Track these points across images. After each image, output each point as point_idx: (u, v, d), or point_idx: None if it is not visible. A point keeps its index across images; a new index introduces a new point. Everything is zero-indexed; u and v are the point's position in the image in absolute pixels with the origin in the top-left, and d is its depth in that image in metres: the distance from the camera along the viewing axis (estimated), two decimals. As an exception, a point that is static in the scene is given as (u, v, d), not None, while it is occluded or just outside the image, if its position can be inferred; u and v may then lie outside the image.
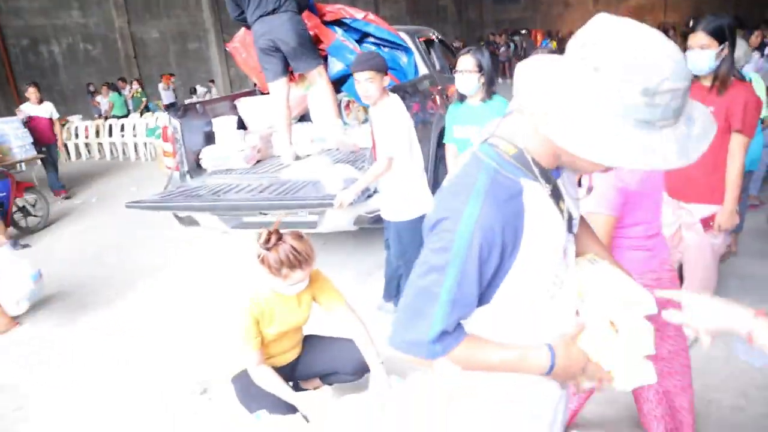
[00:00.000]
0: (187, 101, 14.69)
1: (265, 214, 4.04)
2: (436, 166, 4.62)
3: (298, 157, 4.71)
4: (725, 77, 2.73)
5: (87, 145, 11.96)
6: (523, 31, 24.77)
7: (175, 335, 3.86)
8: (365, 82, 3.03)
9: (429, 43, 5.95)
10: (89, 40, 14.79)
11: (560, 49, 1.52)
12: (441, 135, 4.64)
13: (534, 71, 1.03)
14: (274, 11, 4.40)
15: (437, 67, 5.74)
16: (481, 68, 3.19)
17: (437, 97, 4.96)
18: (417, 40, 5.39)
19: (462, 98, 3.36)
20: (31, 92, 8.10)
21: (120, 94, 13.25)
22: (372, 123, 3.26)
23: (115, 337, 3.92)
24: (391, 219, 3.42)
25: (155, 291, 4.62)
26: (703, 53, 2.70)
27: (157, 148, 10.04)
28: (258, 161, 4.78)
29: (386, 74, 3.10)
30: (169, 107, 13.83)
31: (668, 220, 3.09)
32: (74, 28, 14.40)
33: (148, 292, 4.61)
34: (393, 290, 3.74)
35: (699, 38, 2.70)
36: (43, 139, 7.95)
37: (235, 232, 4.38)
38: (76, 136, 11.98)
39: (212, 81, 16.39)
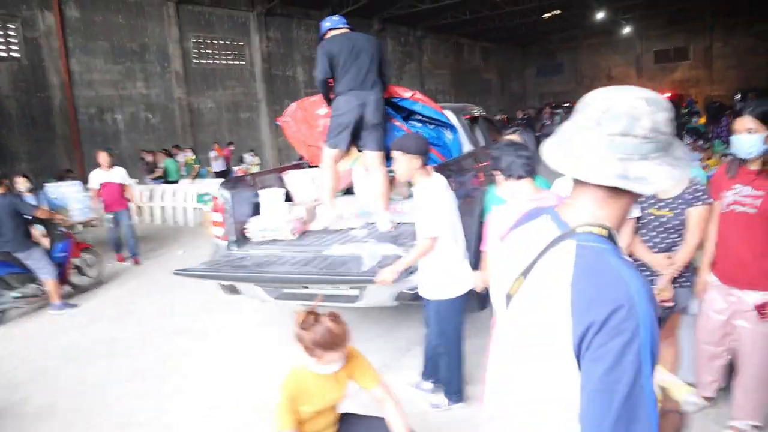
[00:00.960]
0: (235, 168, 15.29)
1: (307, 287, 4.09)
2: (478, 243, 4.61)
3: (340, 218, 4.79)
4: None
5: (140, 208, 12.46)
6: (566, 104, 24.88)
7: (213, 406, 3.86)
8: (395, 161, 3.25)
9: (473, 120, 6.08)
10: (150, 109, 15.72)
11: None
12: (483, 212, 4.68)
13: (561, 146, 1.17)
14: (371, 87, 4.65)
15: (481, 143, 5.83)
16: None
17: (481, 174, 5.01)
18: (462, 117, 5.51)
19: None
20: (102, 158, 7.90)
21: (174, 160, 13.87)
22: (414, 202, 3.33)
23: (150, 400, 3.95)
24: (432, 297, 3.41)
25: (193, 359, 4.67)
26: (751, 137, 2.68)
27: (205, 213, 10.38)
28: (303, 233, 4.88)
29: (421, 156, 3.19)
30: (220, 175, 14.42)
31: (719, 306, 2.99)
32: (137, 98, 15.36)
33: (185, 359, 4.66)
34: (430, 369, 3.68)
35: (746, 122, 2.70)
36: (114, 204, 7.87)
37: (278, 302, 4.43)
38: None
39: (252, 150, 16.98)
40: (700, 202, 2.96)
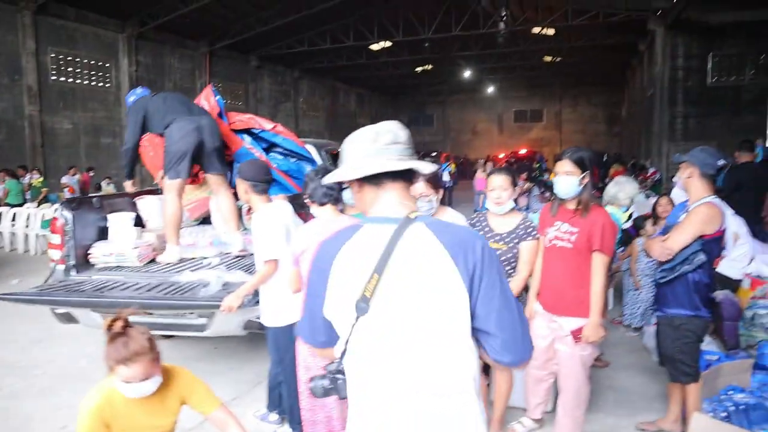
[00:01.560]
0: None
1: (151, 314, 3.91)
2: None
3: (182, 259, 4.65)
4: (587, 202, 3.08)
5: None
6: (434, 154, 26.43)
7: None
8: (237, 186, 3.48)
9: (336, 156, 6.26)
10: (-6, 124, 14.30)
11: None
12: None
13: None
14: (199, 113, 4.70)
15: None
16: None
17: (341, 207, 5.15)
18: (323, 152, 5.66)
19: None
20: None
21: (18, 181, 12.66)
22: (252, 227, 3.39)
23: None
24: (269, 324, 3.41)
25: (5, 388, 4.23)
26: (568, 179, 3.05)
27: (49, 252, 9.51)
28: (152, 260, 4.67)
29: (257, 182, 3.32)
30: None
31: (543, 333, 3.30)
32: (-21, 111, 13.94)
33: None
34: (276, 399, 3.64)
35: (564, 165, 3.07)
36: None
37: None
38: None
39: (108, 177, 15.95)
40: (531, 237, 3.30)
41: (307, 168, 5.27)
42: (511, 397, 3.66)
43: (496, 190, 3.32)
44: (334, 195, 3.05)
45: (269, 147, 5.11)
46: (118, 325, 2.08)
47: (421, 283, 1.41)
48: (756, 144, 10.48)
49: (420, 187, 3.07)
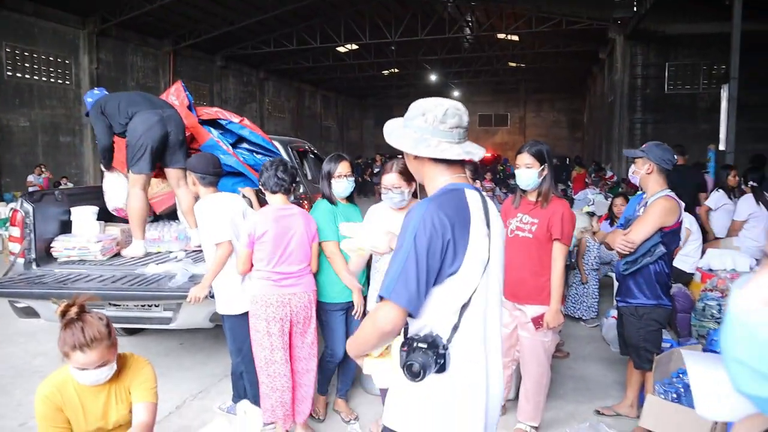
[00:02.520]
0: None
1: (117, 305, 3.87)
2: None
3: (148, 253, 4.62)
4: (547, 193, 3.20)
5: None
6: (400, 156, 26.46)
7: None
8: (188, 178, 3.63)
9: (303, 154, 6.30)
10: (-54, 120, 13.80)
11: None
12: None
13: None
14: (163, 105, 4.65)
15: (309, 176, 6.06)
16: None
17: (305, 203, 5.19)
18: (290, 149, 5.68)
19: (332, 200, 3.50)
20: None
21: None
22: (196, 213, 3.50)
23: None
24: (224, 312, 3.44)
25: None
26: (528, 171, 3.16)
27: (6, 241, 9.24)
28: (116, 255, 4.62)
29: (204, 174, 3.44)
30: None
31: (505, 320, 3.40)
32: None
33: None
34: (241, 390, 3.63)
35: (524, 158, 3.19)
36: None
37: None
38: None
39: (65, 177, 15.58)
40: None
41: None
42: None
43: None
44: (285, 185, 3.30)
45: (236, 141, 5.10)
46: (73, 310, 2.03)
47: (500, 245, 1.76)
48: (708, 149, 10.94)
49: (393, 178, 3.12)
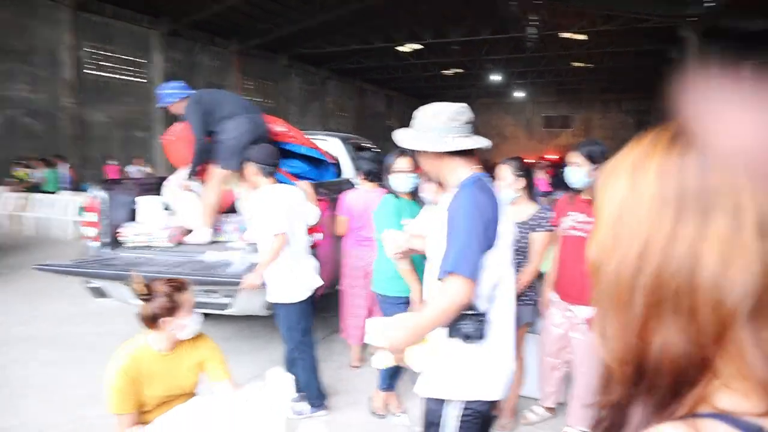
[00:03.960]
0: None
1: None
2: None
3: (213, 242, 4.80)
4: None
5: (10, 216, 11.58)
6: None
7: (57, 403, 3.70)
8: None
9: (361, 149, 6.39)
10: (32, 114, 14.74)
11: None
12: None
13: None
14: (256, 110, 4.91)
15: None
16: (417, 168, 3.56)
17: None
18: (348, 144, 5.79)
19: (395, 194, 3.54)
20: None
21: (55, 170, 13.08)
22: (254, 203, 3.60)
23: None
24: (279, 301, 3.53)
25: (39, 359, 4.43)
26: (576, 170, 3.12)
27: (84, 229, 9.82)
28: (180, 243, 4.84)
29: (261, 164, 3.53)
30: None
31: (558, 321, 3.36)
32: (18, 101, 14.38)
33: (31, 361, 4.41)
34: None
35: (574, 156, 3.14)
36: None
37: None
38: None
39: (140, 158, 16.42)
40: (542, 229, 3.36)
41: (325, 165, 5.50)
42: (524, 386, 3.72)
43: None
44: (374, 174, 4.09)
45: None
46: (147, 287, 2.29)
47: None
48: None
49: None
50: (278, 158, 3.69)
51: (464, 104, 1.96)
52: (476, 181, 1.90)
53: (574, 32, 21.21)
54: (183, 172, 4.93)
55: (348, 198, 4.21)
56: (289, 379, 2.09)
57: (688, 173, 0.54)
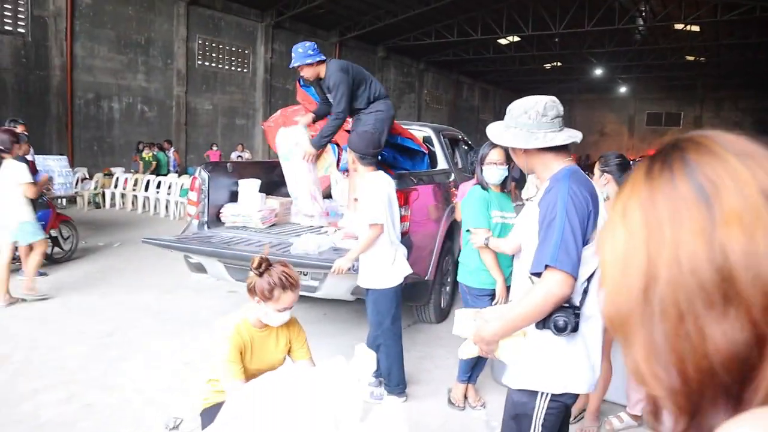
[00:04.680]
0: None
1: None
2: (442, 253, 4.80)
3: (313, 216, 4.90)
4: None
5: (123, 195, 12.56)
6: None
7: (158, 368, 3.97)
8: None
9: (455, 142, 6.35)
10: (147, 102, 15.89)
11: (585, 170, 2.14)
12: (451, 225, 4.88)
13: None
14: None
15: (459, 164, 6.10)
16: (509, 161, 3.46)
17: (454, 190, 5.24)
18: (441, 136, 5.76)
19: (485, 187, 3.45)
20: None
21: (165, 154, 14.02)
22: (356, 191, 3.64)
23: (100, 362, 4.04)
24: (369, 286, 3.57)
25: (142, 327, 4.77)
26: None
27: (187, 207, 10.49)
28: (273, 224, 5.04)
29: (362, 152, 3.51)
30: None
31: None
32: (136, 90, 15.53)
33: (135, 328, 4.76)
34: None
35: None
36: None
37: (239, 285, 4.56)
38: (116, 186, 12.67)
39: (241, 145, 17.35)
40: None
41: (419, 156, 5.49)
42: (609, 391, 3.57)
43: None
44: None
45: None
46: (265, 264, 2.36)
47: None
48: None
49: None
50: (379, 147, 3.67)
51: (554, 97, 1.96)
52: (571, 174, 1.88)
53: (688, 23, 19.85)
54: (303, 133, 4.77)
55: (464, 187, 4.10)
56: (373, 356, 2.11)
57: (678, 181, 0.57)
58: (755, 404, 0.51)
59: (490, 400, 3.77)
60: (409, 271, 3.63)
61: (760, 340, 0.52)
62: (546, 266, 1.77)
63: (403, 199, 4.13)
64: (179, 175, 13.07)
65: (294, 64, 4.75)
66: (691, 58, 26.74)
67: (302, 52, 4.71)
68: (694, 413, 0.55)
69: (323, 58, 4.77)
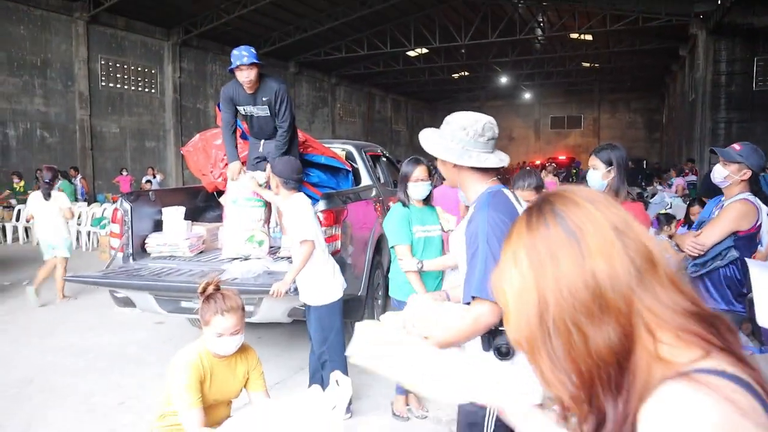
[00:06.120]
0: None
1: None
2: (372, 268, 4.89)
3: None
4: (615, 197, 3.18)
5: (27, 229, 11.77)
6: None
7: (91, 411, 3.79)
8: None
9: (376, 158, 6.48)
10: (47, 127, 14.98)
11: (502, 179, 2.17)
12: (379, 240, 4.99)
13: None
14: None
15: (381, 179, 6.23)
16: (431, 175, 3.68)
17: (378, 206, 5.35)
18: (363, 153, 5.87)
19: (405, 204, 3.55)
20: None
21: (70, 182, 13.26)
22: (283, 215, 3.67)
23: (22, 413, 3.81)
24: (312, 303, 3.62)
25: (66, 368, 4.54)
26: (593, 173, 3.17)
27: (101, 239, 9.97)
28: (201, 252, 4.94)
29: (286, 178, 3.58)
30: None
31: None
32: (34, 114, 14.61)
33: (58, 371, 4.52)
34: (318, 382, 3.82)
35: (591, 160, 3.21)
36: None
37: (172, 317, 4.44)
38: (17, 219, 11.84)
39: (151, 168, 16.55)
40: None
41: (342, 175, 5.58)
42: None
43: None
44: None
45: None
46: (211, 287, 2.39)
47: None
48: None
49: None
50: (301, 173, 3.75)
51: (492, 119, 2.01)
52: (492, 197, 1.92)
53: (582, 33, 21.25)
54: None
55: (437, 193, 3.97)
56: (349, 382, 2.14)
57: (552, 228, 0.76)
58: (636, 382, 0.71)
59: (433, 407, 3.88)
60: (345, 284, 3.71)
61: (627, 335, 0.72)
62: (472, 297, 1.81)
63: (333, 218, 4.19)
64: (88, 204, 12.42)
65: (251, 60, 4.52)
66: (587, 65, 28.63)
67: (252, 53, 4.56)
68: (590, 399, 0.74)
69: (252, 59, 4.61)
